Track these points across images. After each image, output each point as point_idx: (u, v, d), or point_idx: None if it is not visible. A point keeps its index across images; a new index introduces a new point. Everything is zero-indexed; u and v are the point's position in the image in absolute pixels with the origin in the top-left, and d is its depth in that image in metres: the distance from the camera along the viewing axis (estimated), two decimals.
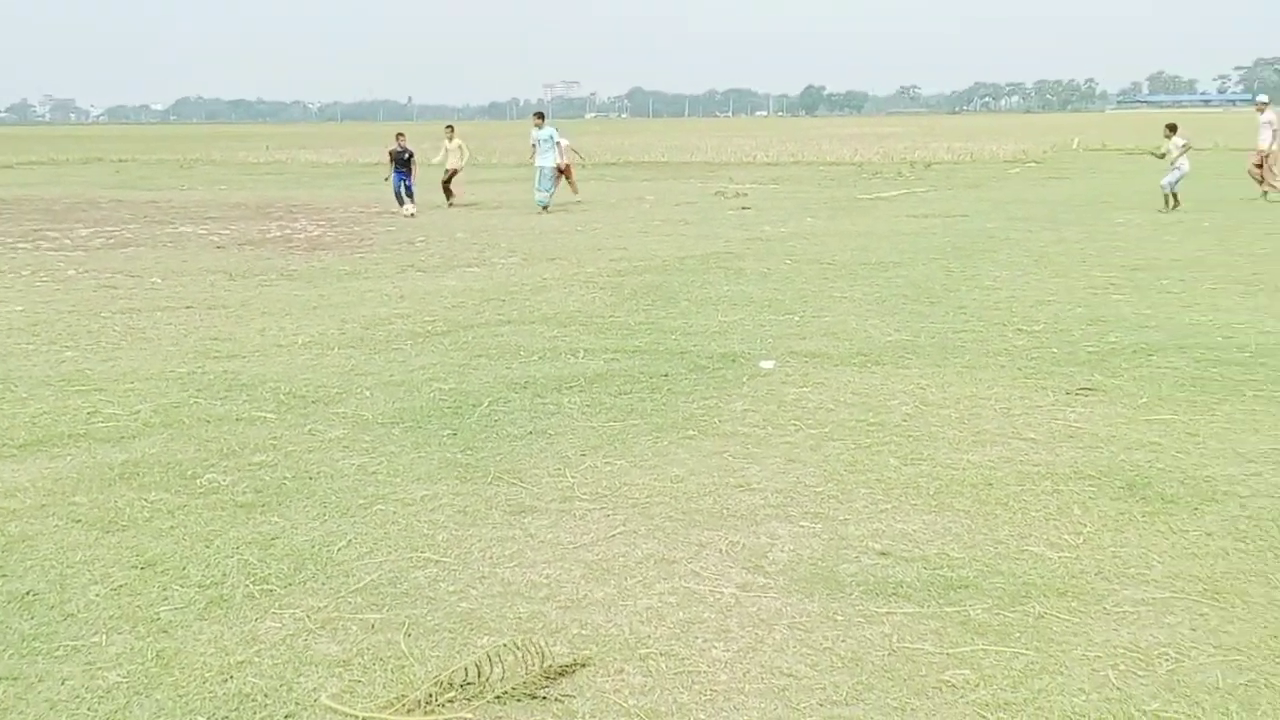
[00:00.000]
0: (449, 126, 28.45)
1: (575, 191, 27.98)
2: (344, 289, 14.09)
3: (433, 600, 4.98)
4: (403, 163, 24.76)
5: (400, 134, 26.41)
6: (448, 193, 26.90)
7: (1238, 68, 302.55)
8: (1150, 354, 9.55)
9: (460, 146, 27.30)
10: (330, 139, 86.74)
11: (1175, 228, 19.20)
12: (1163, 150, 23.38)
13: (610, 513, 6.06)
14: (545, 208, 24.67)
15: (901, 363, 9.44)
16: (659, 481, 6.55)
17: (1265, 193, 24.13)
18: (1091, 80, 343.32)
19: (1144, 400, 8.11)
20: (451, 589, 5.10)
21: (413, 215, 23.93)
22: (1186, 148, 22.60)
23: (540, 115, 26.40)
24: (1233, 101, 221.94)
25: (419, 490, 6.44)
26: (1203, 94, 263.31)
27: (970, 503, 6.11)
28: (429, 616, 4.81)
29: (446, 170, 27.18)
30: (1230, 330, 10.48)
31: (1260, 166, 24.33)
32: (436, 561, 5.41)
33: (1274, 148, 24.04)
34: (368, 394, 8.64)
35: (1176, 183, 22.23)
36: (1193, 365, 9.12)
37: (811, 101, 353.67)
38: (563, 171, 27.12)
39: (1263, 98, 26.30)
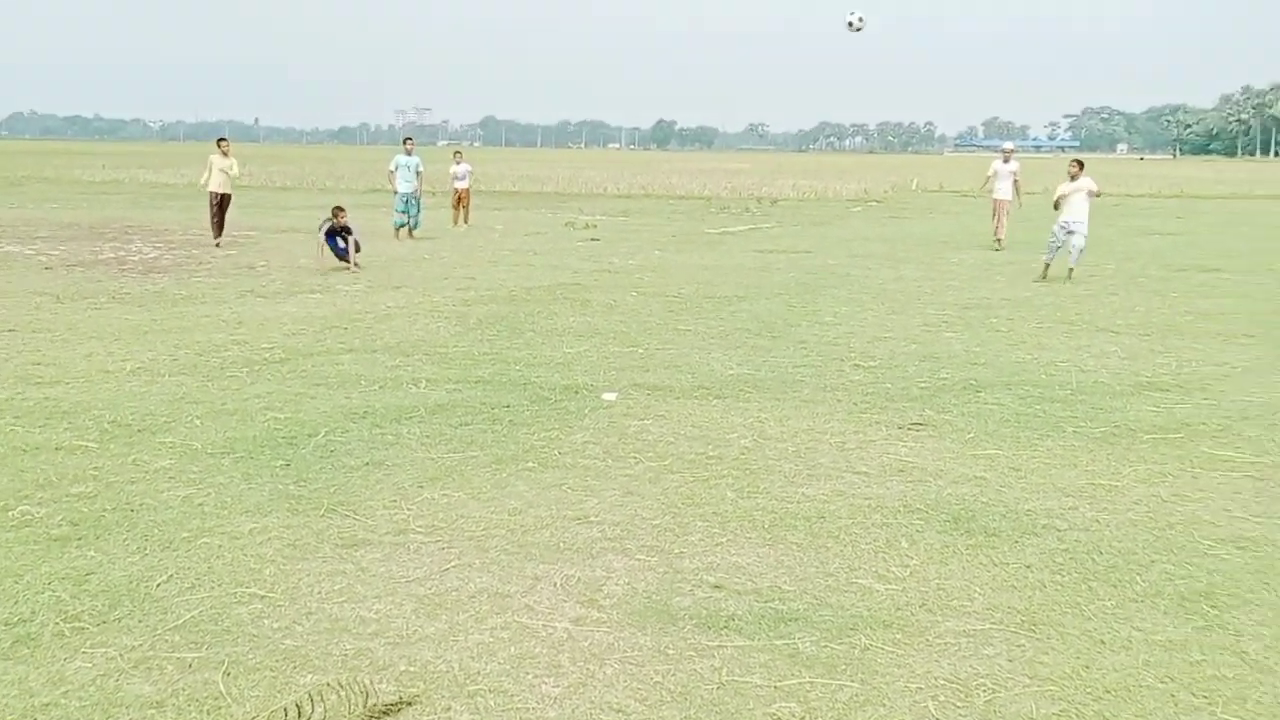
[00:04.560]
0: (221, 140, 22.57)
1: (467, 221, 27.99)
2: (179, 314, 13.65)
3: (255, 637, 4.83)
4: (339, 232, 18.86)
5: (339, 208, 19.24)
6: (219, 227, 22.42)
7: (1067, 115, 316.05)
8: (979, 390, 9.88)
9: (230, 166, 22.12)
10: (172, 158, 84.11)
11: (1006, 268, 19.92)
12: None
13: (445, 546, 5.98)
14: (399, 228, 24.60)
15: (742, 396, 9.56)
16: (496, 514, 6.49)
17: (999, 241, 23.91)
18: (931, 123, 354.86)
19: (971, 436, 8.37)
20: (276, 625, 4.95)
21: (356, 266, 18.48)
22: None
23: (409, 139, 26.18)
24: (1062, 148, 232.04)
25: (247, 523, 6.25)
26: (1034, 139, 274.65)
27: (803, 536, 6.20)
28: (250, 655, 4.66)
29: (215, 194, 22.20)
30: (1053, 369, 10.91)
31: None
32: (262, 597, 5.25)
33: (1010, 198, 24.00)
34: (198, 423, 8.37)
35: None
36: (1018, 402, 9.46)
37: (663, 136, 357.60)
38: (460, 199, 28.01)
39: (1008, 144, 25.37)
